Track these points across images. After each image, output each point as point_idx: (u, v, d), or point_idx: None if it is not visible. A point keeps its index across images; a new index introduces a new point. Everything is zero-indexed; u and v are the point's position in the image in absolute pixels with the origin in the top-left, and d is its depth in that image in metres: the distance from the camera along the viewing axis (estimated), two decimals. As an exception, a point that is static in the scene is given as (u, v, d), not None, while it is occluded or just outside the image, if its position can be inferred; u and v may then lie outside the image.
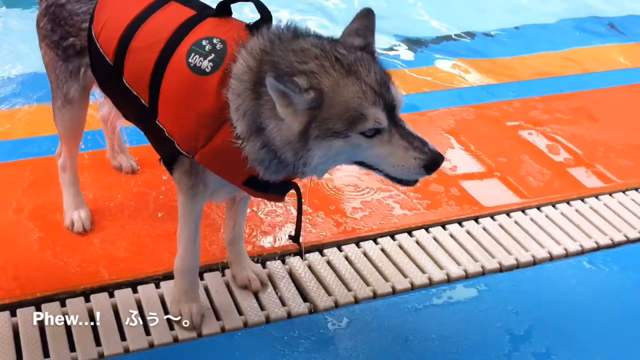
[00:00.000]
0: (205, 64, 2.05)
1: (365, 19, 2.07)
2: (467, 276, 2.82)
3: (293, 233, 2.37)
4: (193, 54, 2.07)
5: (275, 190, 2.19)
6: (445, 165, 3.47)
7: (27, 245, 2.76)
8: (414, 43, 5.60)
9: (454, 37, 5.78)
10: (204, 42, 2.08)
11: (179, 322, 2.46)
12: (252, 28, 2.09)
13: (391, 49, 5.47)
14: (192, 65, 2.06)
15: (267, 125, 1.95)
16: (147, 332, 2.44)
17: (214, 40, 2.08)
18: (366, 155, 1.94)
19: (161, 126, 2.16)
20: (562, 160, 3.68)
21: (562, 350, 2.51)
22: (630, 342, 2.58)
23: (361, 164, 2.00)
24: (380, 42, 5.46)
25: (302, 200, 2.29)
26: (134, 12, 2.25)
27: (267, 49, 1.99)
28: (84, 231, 2.83)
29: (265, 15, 2.12)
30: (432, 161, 1.89)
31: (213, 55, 2.05)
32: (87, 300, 2.54)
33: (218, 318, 2.53)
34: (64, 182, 2.86)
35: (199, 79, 2.05)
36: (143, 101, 2.20)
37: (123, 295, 2.58)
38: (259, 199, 2.69)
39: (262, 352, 2.41)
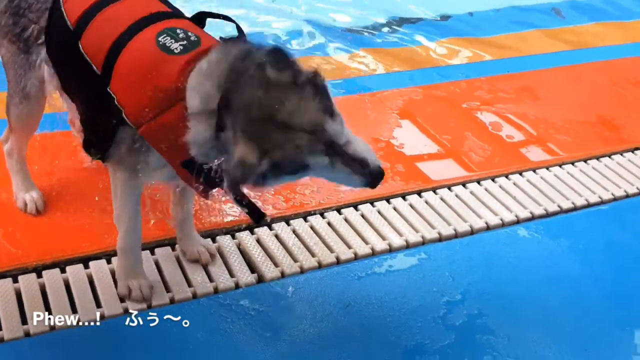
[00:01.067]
0: (176, 46, 2.08)
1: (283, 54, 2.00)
2: (407, 246, 2.95)
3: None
4: (165, 35, 2.11)
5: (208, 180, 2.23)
6: (392, 142, 3.62)
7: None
8: (366, 26, 5.72)
9: (409, 19, 5.89)
10: (178, 30, 2.13)
11: (129, 297, 2.53)
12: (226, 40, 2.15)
13: (348, 30, 5.59)
14: (160, 43, 2.09)
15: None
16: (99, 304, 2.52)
17: (189, 33, 2.13)
18: (313, 176, 2.08)
19: (112, 94, 2.16)
20: (504, 137, 3.83)
21: (493, 312, 2.66)
22: (556, 304, 2.74)
23: None
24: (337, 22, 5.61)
25: None
26: None
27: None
28: (37, 212, 2.87)
29: (240, 34, 2.18)
30: (373, 182, 2.04)
31: (185, 42, 2.09)
32: (40, 276, 2.61)
33: (168, 290, 2.62)
34: (12, 167, 2.88)
35: (164, 56, 2.08)
36: (95, 68, 2.20)
37: (75, 271, 2.65)
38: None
39: (210, 321, 2.51)
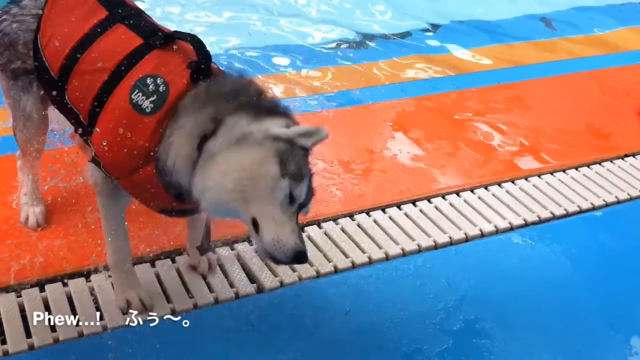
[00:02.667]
0: (147, 104, 2.15)
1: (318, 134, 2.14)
2: (404, 254, 3.00)
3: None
4: (137, 91, 2.17)
5: (185, 214, 2.47)
6: (386, 153, 3.68)
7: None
8: (359, 40, 5.79)
9: (396, 34, 5.97)
10: (148, 81, 2.18)
11: (129, 309, 2.56)
12: (194, 70, 2.19)
13: (340, 42, 5.67)
14: (134, 102, 2.16)
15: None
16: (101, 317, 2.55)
17: (158, 81, 2.18)
18: (270, 208, 2.09)
19: (92, 147, 2.27)
20: (496, 146, 3.89)
21: (489, 316, 2.71)
22: (550, 309, 2.81)
23: None
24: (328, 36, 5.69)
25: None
26: (81, 31, 2.34)
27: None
28: (37, 226, 2.90)
29: (205, 55, 2.23)
30: (303, 254, 2.12)
31: (155, 97, 2.15)
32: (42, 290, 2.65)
33: (169, 301, 2.65)
34: (22, 181, 2.95)
35: (137, 117, 2.15)
36: (82, 119, 2.33)
37: (77, 284, 2.69)
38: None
39: (211, 331, 2.54)
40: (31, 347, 2.42)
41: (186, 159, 2.13)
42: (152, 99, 2.15)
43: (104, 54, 2.28)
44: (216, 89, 2.16)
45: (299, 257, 2.10)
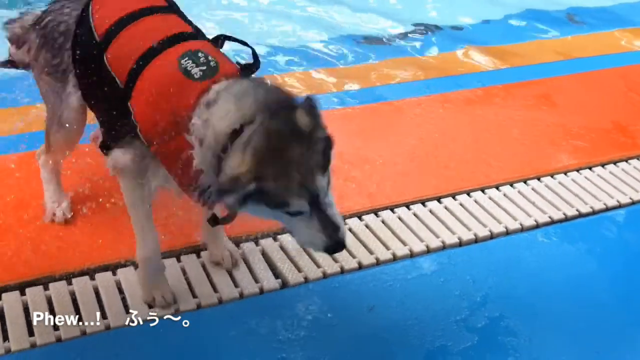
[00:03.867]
0: (196, 71, 2.14)
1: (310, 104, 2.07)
2: (428, 251, 3.00)
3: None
4: (187, 58, 2.17)
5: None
6: (410, 150, 3.67)
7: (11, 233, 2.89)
8: (386, 36, 5.79)
9: (422, 30, 5.96)
10: (200, 54, 2.18)
11: (154, 305, 2.58)
12: (242, 71, 2.21)
13: (364, 38, 5.67)
14: (182, 66, 2.15)
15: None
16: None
17: (209, 57, 2.18)
18: (287, 223, 2.14)
19: (130, 108, 2.24)
20: (522, 143, 3.86)
21: (514, 314, 2.70)
22: (574, 307, 2.79)
23: None
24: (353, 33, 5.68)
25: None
26: (137, 6, 2.37)
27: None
28: (65, 221, 2.94)
29: (256, 63, 2.25)
30: (332, 248, 2.12)
31: (205, 67, 2.15)
32: (70, 283, 2.68)
33: (194, 296, 2.67)
34: (45, 178, 2.97)
35: (184, 80, 2.14)
36: (119, 81, 2.29)
37: (103, 278, 2.72)
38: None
39: (237, 326, 2.56)
40: (59, 339, 2.46)
41: (214, 147, 2.08)
42: (202, 68, 2.14)
43: (156, 27, 2.30)
44: (260, 95, 2.11)
45: (333, 249, 2.14)
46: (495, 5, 6.48)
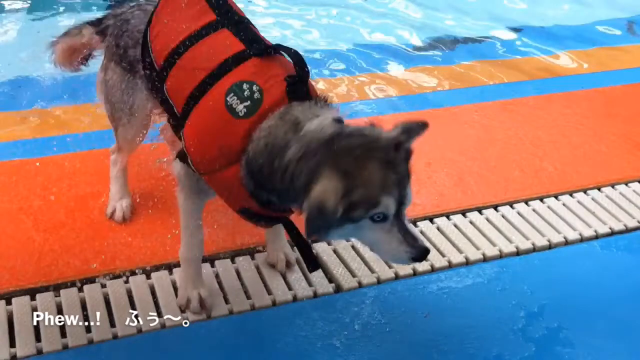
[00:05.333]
0: (240, 108, 2.19)
1: (419, 126, 2.13)
2: (485, 259, 2.96)
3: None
4: (232, 94, 2.21)
5: (265, 222, 2.47)
6: (467, 157, 3.62)
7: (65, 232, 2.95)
8: (442, 41, 5.76)
9: (478, 37, 5.92)
10: (244, 86, 2.21)
11: (187, 308, 2.60)
12: (291, 84, 2.20)
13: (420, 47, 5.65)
14: (228, 104, 2.20)
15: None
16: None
17: (254, 88, 2.21)
18: (366, 237, 2.14)
19: (183, 139, 2.34)
20: (582, 152, 3.78)
21: (572, 325, 2.64)
22: (634, 318, 2.71)
23: None
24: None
25: (298, 231, 2.43)
26: (188, 30, 2.40)
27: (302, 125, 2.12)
28: (123, 220, 3.00)
29: (303, 72, 2.23)
30: (419, 255, 2.12)
31: (249, 102, 2.19)
32: (103, 286, 2.71)
33: (248, 298, 2.69)
34: (113, 175, 3.05)
35: (230, 119, 2.20)
36: (176, 110, 2.39)
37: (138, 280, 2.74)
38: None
39: (290, 329, 2.56)
40: (115, 336, 2.49)
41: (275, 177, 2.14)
42: (245, 104, 2.19)
43: (205, 54, 2.34)
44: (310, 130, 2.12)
45: (416, 260, 2.15)
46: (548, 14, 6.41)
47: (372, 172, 2.00)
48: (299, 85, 2.21)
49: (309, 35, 5.72)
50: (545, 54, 5.62)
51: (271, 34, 5.21)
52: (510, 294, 2.77)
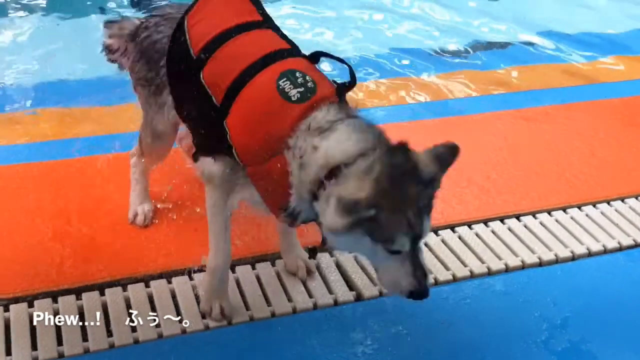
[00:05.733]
0: (294, 92, 2.11)
1: (451, 153, 2.11)
2: (507, 270, 2.93)
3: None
4: (285, 79, 2.14)
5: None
6: (489, 166, 3.60)
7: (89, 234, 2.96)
8: (465, 46, 5.75)
9: (502, 43, 5.90)
10: (297, 74, 2.15)
11: (209, 316, 2.58)
12: (341, 87, 2.19)
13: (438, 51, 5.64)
14: (280, 87, 2.13)
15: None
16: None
17: (307, 77, 2.15)
18: (376, 261, 2.13)
19: (227, 128, 2.23)
20: (605, 162, 3.74)
21: (596, 338, 2.61)
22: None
23: None
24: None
25: None
26: (233, 22, 2.35)
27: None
28: (145, 224, 3.00)
29: (352, 80, 2.21)
30: (417, 294, 2.11)
31: (303, 89, 2.12)
32: (125, 290, 2.70)
33: (269, 304, 2.68)
34: (134, 178, 3.04)
35: (282, 102, 2.11)
36: (215, 100, 2.27)
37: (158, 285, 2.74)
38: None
39: (310, 336, 2.55)
40: (136, 341, 2.50)
41: (317, 173, 2.09)
42: (299, 89, 2.12)
43: (253, 44, 2.29)
44: (375, 132, 2.12)
45: (416, 296, 2.12)
46: (571, 20, 6.37)
47: (398, 203, 1.96)
48: (345, 92, 2.19)
49: (326, 38, 5.74)
50: (570, 61, 5.59)
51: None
52: (533, 305, 2.74)
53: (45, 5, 5.84)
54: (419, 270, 2.08)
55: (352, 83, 2.21)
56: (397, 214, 1.97)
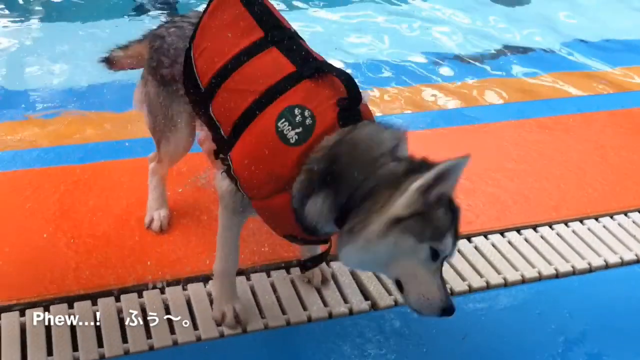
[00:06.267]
0: (292, 135, 2.14)
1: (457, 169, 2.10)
2: (524, 281, 2.91)
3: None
4: (283, 120, 2.15)
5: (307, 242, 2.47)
6: (505, 176, 3.58)
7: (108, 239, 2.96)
8: (473, 57, 5.74)
9: (516, 51, 5.87)
10: (296, 111, 2.16)
11: (223, 322, 2.58)
12: (343, 109, 2.17)
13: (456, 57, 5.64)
14: (279, 130, 2.15)
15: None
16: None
17: (306, 113, 2.15)
18: (412, 270, 2.10)
19: (230, 162, 2.28)
20: (622, 173, 3.72)
21: (613, 352, 2.59)
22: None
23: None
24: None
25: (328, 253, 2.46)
26: (234, 50, 2.34)
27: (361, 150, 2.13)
28: (161, 230, 3.00)
29: (356, 96, 2.19)
30: (448, 309, 2.12)
31: (301, 129, 2.14)
32: (140, 296, 2.71)
33: (284, 313, 2.67)
34: (152, 184, 3.04)
35: (281, 146, 2.15)
36: (222, 132, 2.34)
37: (173, 292, 2.73)
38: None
39: (325, 345, 2.54)
40: (151, 347, 2.49)
41: (320, 214, 2.16)
42: (297, 130, 2.14)
43: (254, 76, 2.28)
44: (359, 153, 2.13)
45: (446, 313, 2.12)
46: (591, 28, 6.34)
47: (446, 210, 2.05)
48: (351, 110, 2.18)
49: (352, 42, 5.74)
50: (587, 69, 5.56)
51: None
52: (550, 317, 2.72)
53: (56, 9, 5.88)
54: (444, 288, 2.12)
55: (356, 99, 2.20)
56: (448, 215, 2.05)
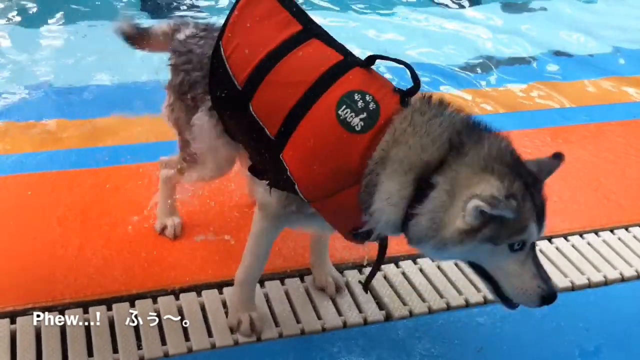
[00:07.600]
0: (356, 122, 1.99)
1: (554, 162, 2.12)
2: (539, 293, 2.89)
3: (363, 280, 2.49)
4: (344, 107, 2.00)
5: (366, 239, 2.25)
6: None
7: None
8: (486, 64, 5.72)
9: (527, 59, 5.86)
10: (356, 96, 2.02)
11: (238, 330, 2.55)
12: (403, 96, 2.06)
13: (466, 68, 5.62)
14: (341, 118, 2.00)
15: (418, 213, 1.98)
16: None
17: (367, 97, 2.02)
18: (498, 265, 2.01)
19: (284, 163, 2.11)
20: (636, 184, 3.70)
21: (631, 366, 2.57)
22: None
23: (477, 267, 2.10)
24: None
25: (384, 253, 2.30)
26: (273, 43, 2.21)
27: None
28: (174, 237, 2.99)
29: (416, 84, 2.07)
30: (551, 295, 2.01)
31: (365, 114, 1.99)
32: (155, 302, 2.69)
33: (298, 322, 2.66)
34: (164, 192, 2.99)
35: (346, 135, 1.99)
36: (268, 133, 2.16)
37: (188, 298, 2.72)
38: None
39: (341, 355, 2.53)
40: (165, 354, 2.49)
41: (395, 206, 2.02)
42: (361, 116, 1.99)
43: (301, 66, 2.15)
44: (435, 127, 2.01)
45: (548, 301, 2.02)
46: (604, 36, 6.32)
47: (525, 192, 1.93)
48: (413, 95, 2.07)
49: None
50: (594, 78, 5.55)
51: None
52: (565, 330, 2.70)
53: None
54: (542, 270, 2.00)
55: (415, 86, 2.08)
56: (526, 202, 1.92)
